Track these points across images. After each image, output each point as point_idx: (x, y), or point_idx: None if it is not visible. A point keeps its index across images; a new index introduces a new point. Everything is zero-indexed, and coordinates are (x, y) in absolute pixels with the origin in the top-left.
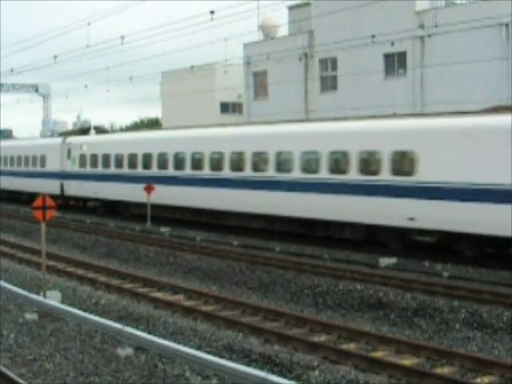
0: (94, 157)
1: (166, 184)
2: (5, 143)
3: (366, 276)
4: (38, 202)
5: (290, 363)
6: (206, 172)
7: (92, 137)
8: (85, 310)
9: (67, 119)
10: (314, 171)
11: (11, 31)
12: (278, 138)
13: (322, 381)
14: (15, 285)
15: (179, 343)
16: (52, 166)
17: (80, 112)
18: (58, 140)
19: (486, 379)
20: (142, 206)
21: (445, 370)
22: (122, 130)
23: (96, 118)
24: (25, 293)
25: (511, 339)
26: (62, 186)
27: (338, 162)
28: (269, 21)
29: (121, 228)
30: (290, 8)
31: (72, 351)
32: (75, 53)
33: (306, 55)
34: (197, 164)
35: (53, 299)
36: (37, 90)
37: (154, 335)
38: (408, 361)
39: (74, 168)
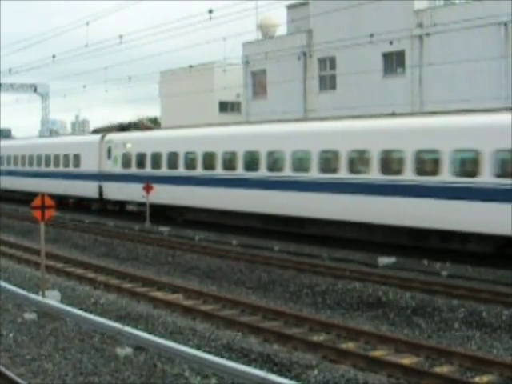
0: (141, 156)
1: (237, 186)
2: (25, 141)
3: (365, 275)
4: (36, 202)
5: (289, 362)
6: (288, 173)
7: (138, 134)
8: (84, 310)
9: (66, 119)
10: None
11: (10, 31)
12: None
13: (322, 380)
14: (14, 284)
15: (178, 343)
16: (88, 166)
17: (78, 112)
18: (95, 138)
19: (485, 378)
20: (201, 211)
21: (444, 369)
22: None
23: (94, 118)
24: (24, 292)
25: (510, 338)
26: (100, 189)
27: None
28: (267, 20)
29: (120, 228)
30: (289, 7)
31: (71, 351)
32: (74, 52)
33: (304, 54)
34: (273, 164)
35: (52, 299)
36: (35, 90)
37: (153, 335)
38: (407, 360)
39: (116, 168)
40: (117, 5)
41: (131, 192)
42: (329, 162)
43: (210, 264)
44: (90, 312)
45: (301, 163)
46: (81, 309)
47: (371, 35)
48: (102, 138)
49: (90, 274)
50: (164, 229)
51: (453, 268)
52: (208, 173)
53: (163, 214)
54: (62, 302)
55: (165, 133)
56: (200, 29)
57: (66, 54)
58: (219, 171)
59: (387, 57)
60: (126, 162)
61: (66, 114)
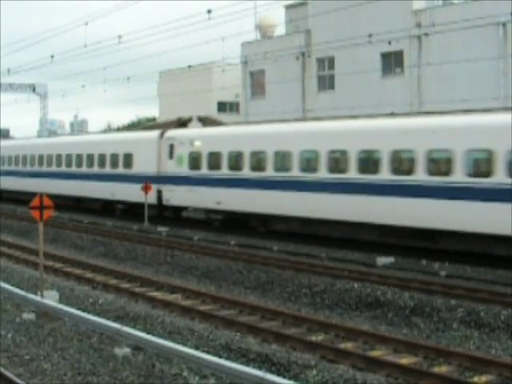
0: (214, 156)
1: (346, 192)
2: (54, 140)
3: (363, 275)
4: (35, 202)
5: (287, 362)
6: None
7: (209, 130)
8: (82, 310)
9: (64, 119)
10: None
11: (9, 31)
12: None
13: (320, 380)
14: (13, 285)
15: (177, 343)
16: (143, 167)
17: (77, 112)
18: (152, 135)
19: (484, 378)
20: (293, 220)
21: (442, 369)
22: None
23: (93, 118)
24: (22, 292)
25: (509, 338)
26: (159, 193)
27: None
28: (266, 20)
29: (118, 228)
30: (287, 7)
31: (70, 351)
32: (72, 52)
33: (303, 54)
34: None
35: (50, 299)
36: (34, 90)
37: (152, 335)
38: (406, 360)
39: (181, 170)
40: (116, 5)
41: (201, 197)
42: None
43: (209, 264)
44: (89, 312)
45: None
46: (79, 309)
47: (370, 35)
48: (162, 134)
49: (89, 274)
50: (162, 229)
51: (451, 268)
52: (307, 175)
53: (241, 223)
54: (60, 302)
55: (246, 129)
56: (199, 29)
57: (65, 54)
58: (323, 173)
59: (386, 57)
60: (194, 163)
61: (65, 114)
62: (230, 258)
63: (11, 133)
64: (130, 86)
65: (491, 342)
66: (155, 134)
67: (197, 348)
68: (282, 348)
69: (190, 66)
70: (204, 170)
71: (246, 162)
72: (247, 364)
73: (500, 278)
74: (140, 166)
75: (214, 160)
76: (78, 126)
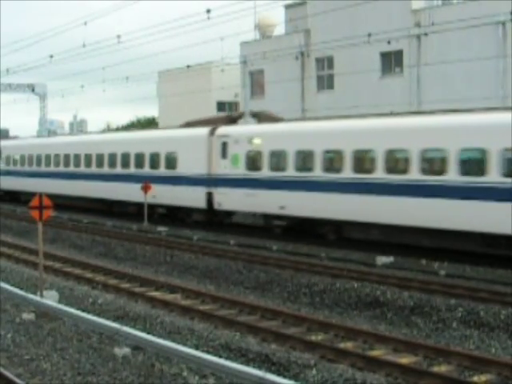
0: (278, 155)
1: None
2: (86, 137)
3: (363, 275)
4: (34, 202)
5: (287, 362)
6: None
7: (270, 126)
8: (82, 310)
9: (63, 119)
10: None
11: (8, 31)
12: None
13: (320, 380)
14: (12, 284)
15: (177, 342)
16: (189, 167)
17: (76, 112)
18: (200, 132)
19: (484, 377)
20: (375, 227)
21: (442, 369)
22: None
23: (92, 118)
24: (22, 292)
25: (508, 337)
26: (209, 197)
27: None
28: (265, 20)
29: (118, 227)
30: (287, 7)
31: (69, 351)
32: (71, 52)
33: (302, 54)
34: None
35: (50, 299)
36: (33, 90)
37: (152, 335)
38: (405, 359)
39: (237, 171)
40: (114, 5)
41: (261, 201)
42: None
43: (208, 264)
44: (88, 312)
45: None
46: (79, 309)
47: (369, 35)
48: (212, 131)
49: (88, 274)
50: (162, 229)
51: (451, 267)
52: (393, 177)
53: (308, 229)
54: (60, 302)
55: (318, 125)
56: (198, 29)
57: (64, 53)
58: (414, 175)
59: (385, 56)
60: (253, 163)
61: (64, 114)
62: (230, 257)
63: (11, 133)
64: (129, 86)
65: (491, 342)
66: (204, 131)
67: (196, 348)
68: (282, 348)
69: (188, 66)
70: (265, 171)
71: (318, 162)
72: (247, 364)
73: (500, 278)
74: (186, 167)
75: (278, 160)
76: (78, 126)
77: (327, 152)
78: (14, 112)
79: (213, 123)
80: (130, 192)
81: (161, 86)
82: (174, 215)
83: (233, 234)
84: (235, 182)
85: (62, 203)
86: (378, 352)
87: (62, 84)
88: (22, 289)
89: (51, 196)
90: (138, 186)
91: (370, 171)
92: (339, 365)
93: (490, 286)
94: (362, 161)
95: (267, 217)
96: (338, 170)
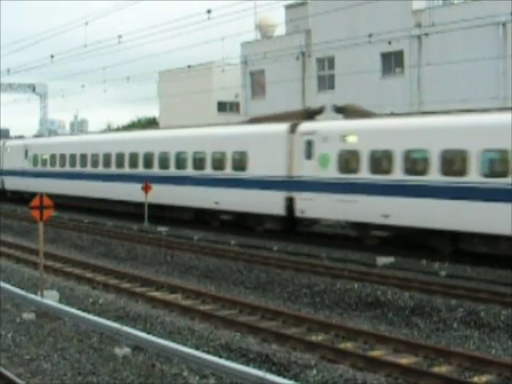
0: (381, 156)
1: None
2: (127, 135)
3: (363, 275)
4: (35, 202)
5: (287, 362)
6: None
7: (372, 122)
8: (82, 310)
9: (64, 119)
10: None
11: (8, 31)
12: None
13: (320, 380)
14: (13, 284)
15: (177, 343)
16: (263, 168)
17: (77, 112)
18: (277, 128)
19: (484, 378)
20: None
21: (442, 369)
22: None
23: (93, 118)
24: (22, 292)
25: (509, 338)
26: (289, 203)
27: None
28: (266, 20)
29: (118, 227)
30: (287, 7)
31: (70, 351)
32: (72, 52)
33: (303, 54)
34: None
35: (50, 299)
36: (34, 90)
37: (152, 335)
38: (406, 360)
39: (326, 173)
40: (115, 5)
41: (358, 209)
42: None
43: (209, 264)
44: (89, 312)
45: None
46: (79, 309)
47: (370, 35)
48: (293, 128)
49: (89, 274)
50: (162, 229)
51: (451, 268)
52: None
53: (415, 242)
54: (60, 301)
55: (433, 120)
56: (198, 29)
57: (65, 54)
58: None
59: (386, 57)
60: (347, 164)
61: (65, 114)
62: (230, 257)
63: (11, 133)
64: (130, 86)
65: (491, 342)
66: (283, 127)
67: (197, 348)
68: (282, 348)
69: (189, 66)
70: (364, 174)
71: (434, 163)
72: (247, 364)
73: (500, 278)
74: (258, 168)
75: (381, 161)
76: (78, 126)
77: (446, 152)
78: (14, 112)
79: (284, 119)
80: (185, 196)
81: (161, 86)
82: (242, 223)
83: (233, 234)
84: (324, 186)
85: (103, 208)
86: (378, 352)
87: (63, 84)
88: (22, 289)
89: (87, 199)
90: (197, 190)
91: (504, 174)
92: (339, 365)
93: (490, 287)
94: (495, 162)
95: (364, 226)
96: (461, 173)
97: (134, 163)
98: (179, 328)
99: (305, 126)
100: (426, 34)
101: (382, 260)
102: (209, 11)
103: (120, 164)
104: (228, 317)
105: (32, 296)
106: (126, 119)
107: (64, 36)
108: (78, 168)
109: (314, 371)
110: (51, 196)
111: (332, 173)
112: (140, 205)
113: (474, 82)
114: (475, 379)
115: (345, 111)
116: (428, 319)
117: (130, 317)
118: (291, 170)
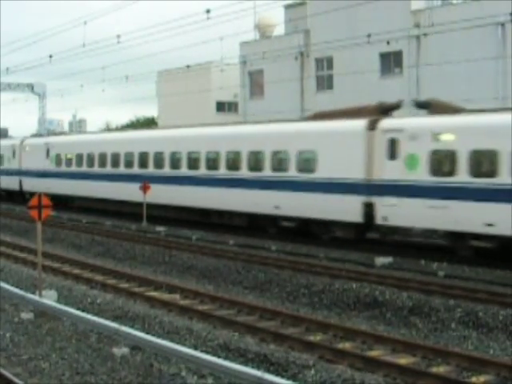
0: (483, 156)
1: None
2: (171, 132)
3: (361, 275)
4: (33, 202)
5: (285, 362)
6: None
7: (467, 119)
8: (81, 310)
9: (63, 118)
10: None
11: (7, 30)
12: None
13: (318, 380)
14: (11, 284)
15: (175, 342)
16: (335, 170)
17: (76, 111)
18: (353, 125)
19: (482, 378)
20: None
21: (440, 369)
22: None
23: (91, 118)
24: (21, 292)
25: (507, 338)
26: (367, 209)
27: None
28: (265, 20)
29: (117, 227)
30: (286, 7)
31: (68, 350)
32: (71, 52)
33: (301, 54)
34: None
35: (48, 298)
36: (32, 90)
37: (150, 334)
38: (404, 360)
39: (415, 176)
40: (114, 4)
41: (455, 216)
42: None
43: (207, 264)
44: (87, 312)
45: None
46: (78, 308)
47: (368, 35)
48: (372, 124)
49: (87, 274)
50: (161, 228)
51: (449, 268)
52: None
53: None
54: (58, 301)
55: None
56: (197, 29)
57: (64, 53)
58: None
59: (384, 57)
60: (441, 166)
61: (63, 114)
62: (229, 257)
63: (10, 132)
64: (129, 86)
65: (489, 342)
66: (360, 124)
67: (195, 348)
68: (281, 348)
69: (188, 66)
70: (462, 177)
71: None
72: (245, 364)
73: (498, 278)
74: (330, 170)
75: (484, 162)
76: (77, 126)
77: None
78: (13, 111)
79: (355, 114)
80: (238, 200)
81: (160, 86)
82: (305, 230)
83: (232, 234)
84: (413, 191)
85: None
86: (376, 352)
87: (62, 83)
88: (20, 288)
89: (121, 203)
90: (252, 193)
91: None
92: (338, 365)
93: (488, 287)
94: None
95: (460, 236)
96: None
97: (160, 164)
98: (177, 328)
99: (387, 123)
100: (425, 34)
101: (381, 260)
102: (208, 11)
103: (159, 165)
104: (226, 317)
105: (30, 296)
106: (124, 119)
107: (63, 36)
108: (108, 168)
109: (312, 371)
110: (71, 198)
111: (422, 175)
112: (185, 209)
113: (473, 83)
114: (473, 379)
115: (430, 106)
116: (426, 319)
117: (128, 317)
118: (371, 172)
